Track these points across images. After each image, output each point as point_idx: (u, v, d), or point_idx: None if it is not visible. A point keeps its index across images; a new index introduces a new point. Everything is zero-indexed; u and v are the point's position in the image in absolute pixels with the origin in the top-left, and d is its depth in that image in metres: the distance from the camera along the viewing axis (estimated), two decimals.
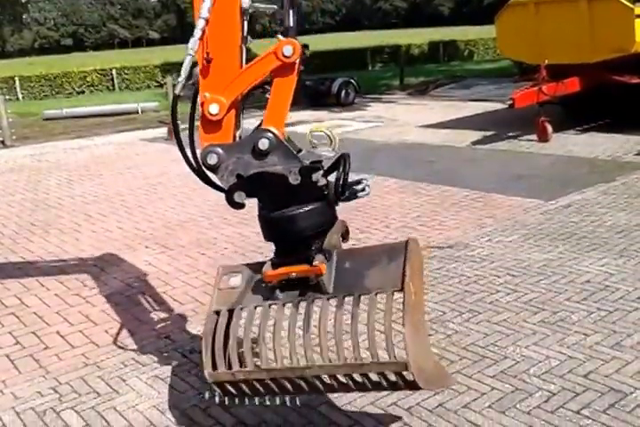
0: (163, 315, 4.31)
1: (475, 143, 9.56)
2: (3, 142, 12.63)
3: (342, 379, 2.49)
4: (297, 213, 2.57)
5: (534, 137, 9.29)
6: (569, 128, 9.75)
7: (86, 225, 6.61)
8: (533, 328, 3.74)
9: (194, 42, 2.53)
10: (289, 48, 2.50)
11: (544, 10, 9.59)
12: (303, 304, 2.60)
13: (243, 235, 5.93)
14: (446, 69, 23.94)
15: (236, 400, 2.74)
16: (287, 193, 2.54)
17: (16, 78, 23.84)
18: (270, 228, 2.68)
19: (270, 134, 2.52)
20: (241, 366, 2.56)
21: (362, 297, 2.53)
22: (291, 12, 2.65)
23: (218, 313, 2.67)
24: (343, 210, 5.98)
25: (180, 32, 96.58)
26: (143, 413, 3.18)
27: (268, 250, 5.54)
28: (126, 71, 25.49)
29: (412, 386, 2.44)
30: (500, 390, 3.13)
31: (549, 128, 9.15)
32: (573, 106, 10.07)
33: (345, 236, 2.84)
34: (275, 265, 2.63)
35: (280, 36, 2.54)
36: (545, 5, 9.69)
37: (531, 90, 9.19)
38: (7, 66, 39.67)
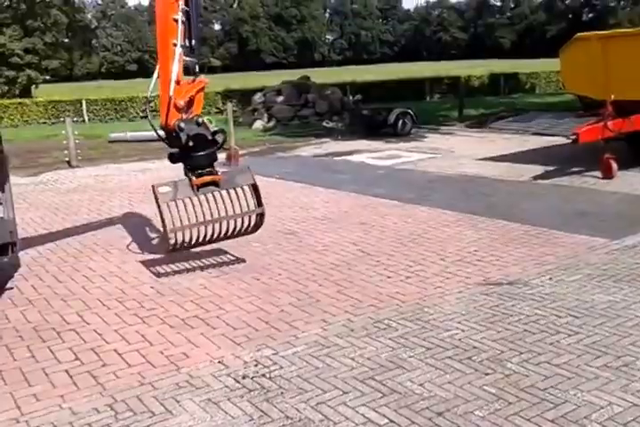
0: (216, 339, 4.35)
1: (536, 178, 9.37)
2: (69, 163, 13.12)
3: (237, 223, 5.76)
4: (211, 152, 5.63)
5: (598, 173, 9.06)
6: (635, 166, 9.47)
7: (146, 246, 6.75)
8: (596, 372, 3.61)
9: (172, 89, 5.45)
10: (207, 79, 5.75)
11: (611, 45, 9.45)
12: (212, 194, 5.59)
13: (296, 261, 5.96)
14: (507, 102, 23.72)
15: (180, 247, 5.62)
16: (205, 143, 5.55)
17: (83, 101, 24.78)
18: (196, 160, 5.55)
19: (201, 117, 5.61)
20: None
21: (237, 188, 5.72)
22: (197, 65, 5.82)
23: (165, 204, 5.41)
24: (396, 241, 5.97)
25: (242, 60, 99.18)
26: None
27: (321, 278, 5.55)
28: None
29: (259, 225, 5.91)
30: None
31: (614, 165, 8.92)
32: None
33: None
34: (198, 177, 5.53)
35: (202, 76, 5.76)
36: (612, 40, 9.56)
37: (596, 125, 9.00)
38: (75, 89, 41.44)
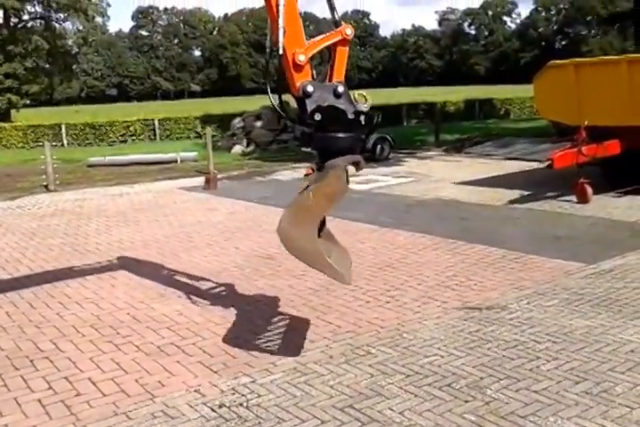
0: (192, 367, 4.27)
1: (512, 202, 9.48)
2: (47, 187, 12.99)
3: None
4: (347, 137, 4.12)
5: (573, 198, 9.18)
6: (609, 190, 9.61)
7: (122, 272, 6.66)
8: (575, 399, 3.59)
9: (282, 40, 3.88)
10: (349, 30, 4.09)
11: (583, 72, 9.66)
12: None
13: (275, 287, 5.91)
14: (482, 127, 24.07)
15: None
16: (340, 122, 4.08)
17: (62, 125, 24.71)
18: (321, 143, 4.14)
19: (343, 85, 4.09)
20: None
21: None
22: (335, 12, 4.18)
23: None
24: (374, 265, 5.99)
25: (221, 85, 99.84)
26: None
27: (299, 303, 5.51)
28: (168, 122, 26.22)
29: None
30: None
31: (589, 190, 9.04)
32: (613, 168, 9.98)
33: (356, 166, 4.22)
34: (316, 168, 4.16)
35: (343, 23, 4.09)
36: (584, 67, 9.77)
37: (570, 151, 9.15)
38: (55, 113, 41.31)
